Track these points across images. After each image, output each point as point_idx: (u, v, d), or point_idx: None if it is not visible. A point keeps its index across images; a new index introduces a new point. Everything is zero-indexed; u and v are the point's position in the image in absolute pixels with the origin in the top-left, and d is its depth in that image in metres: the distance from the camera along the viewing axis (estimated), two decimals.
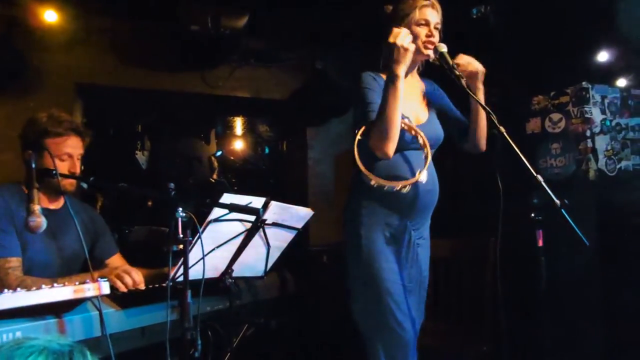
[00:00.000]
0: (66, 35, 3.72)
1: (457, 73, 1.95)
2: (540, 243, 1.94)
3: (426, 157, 2.02)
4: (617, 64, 3.53)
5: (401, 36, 1.91)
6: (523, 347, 2.99)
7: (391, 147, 1.95)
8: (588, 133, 3.10)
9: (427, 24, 2.06)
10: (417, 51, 2.04)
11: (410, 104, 2.12)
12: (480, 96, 2.08)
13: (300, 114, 4.66)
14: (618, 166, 3.16)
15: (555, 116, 3.24)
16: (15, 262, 2.00)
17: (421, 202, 2.08)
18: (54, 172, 1.86)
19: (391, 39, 1.92)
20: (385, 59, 2.11)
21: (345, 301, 2.17)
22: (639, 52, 3.42)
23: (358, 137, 2.00)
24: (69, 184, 2.12)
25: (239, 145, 7.58)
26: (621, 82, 3.53)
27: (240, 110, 5.87)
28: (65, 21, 3.66)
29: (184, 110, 5.58)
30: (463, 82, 1.93)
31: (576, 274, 2.88)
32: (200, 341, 1.61)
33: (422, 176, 1.98)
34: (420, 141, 2.05)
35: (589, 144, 3.09)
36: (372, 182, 1.95)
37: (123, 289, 1.96)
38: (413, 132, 2.05)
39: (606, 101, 3.18)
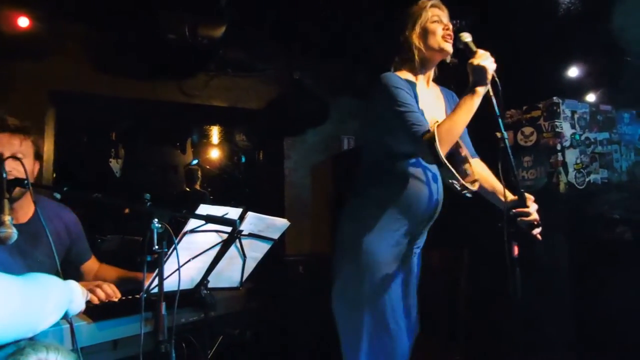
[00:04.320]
0: (39, 41, 3.67)
1: None
2: (515, 253, 1.95)
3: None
4: (586, 80, 3.63)
5: (485, 58, 1.92)
6: (494, 357, 3.02)
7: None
8: (559, 147, 3.17)
9: (439, 20, 2.08)
10: (438, 47, 2.06)
11: (436, 110, 2.12)
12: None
13: (277, 123, 4.66)
14: (587, 179, 3.24)
15: (528, 130, 3.32)
16: None
17: (429, 211, 2.08)
18: (26, 181, 1.78)
19: (476, 61, 1.90)
20: (401, 54, 2.10)
21: (326, 307, 2.11)
22: (606, 69, 3.53)
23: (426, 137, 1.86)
24: None
25: (215, 154, 7.53)
26: (590, 98, 3.63)
27: (217, 120, 5.85)
28: (38, 27, 3.60)
29: (160, 118, 5.54)
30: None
31: (547, 284, 2.94)
32: (175, 354, 1.59)
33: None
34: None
35: (560, 158, 3.16)
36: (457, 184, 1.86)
37: (96, 301, 1.92)
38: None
39: (576, 116, 3.26)
